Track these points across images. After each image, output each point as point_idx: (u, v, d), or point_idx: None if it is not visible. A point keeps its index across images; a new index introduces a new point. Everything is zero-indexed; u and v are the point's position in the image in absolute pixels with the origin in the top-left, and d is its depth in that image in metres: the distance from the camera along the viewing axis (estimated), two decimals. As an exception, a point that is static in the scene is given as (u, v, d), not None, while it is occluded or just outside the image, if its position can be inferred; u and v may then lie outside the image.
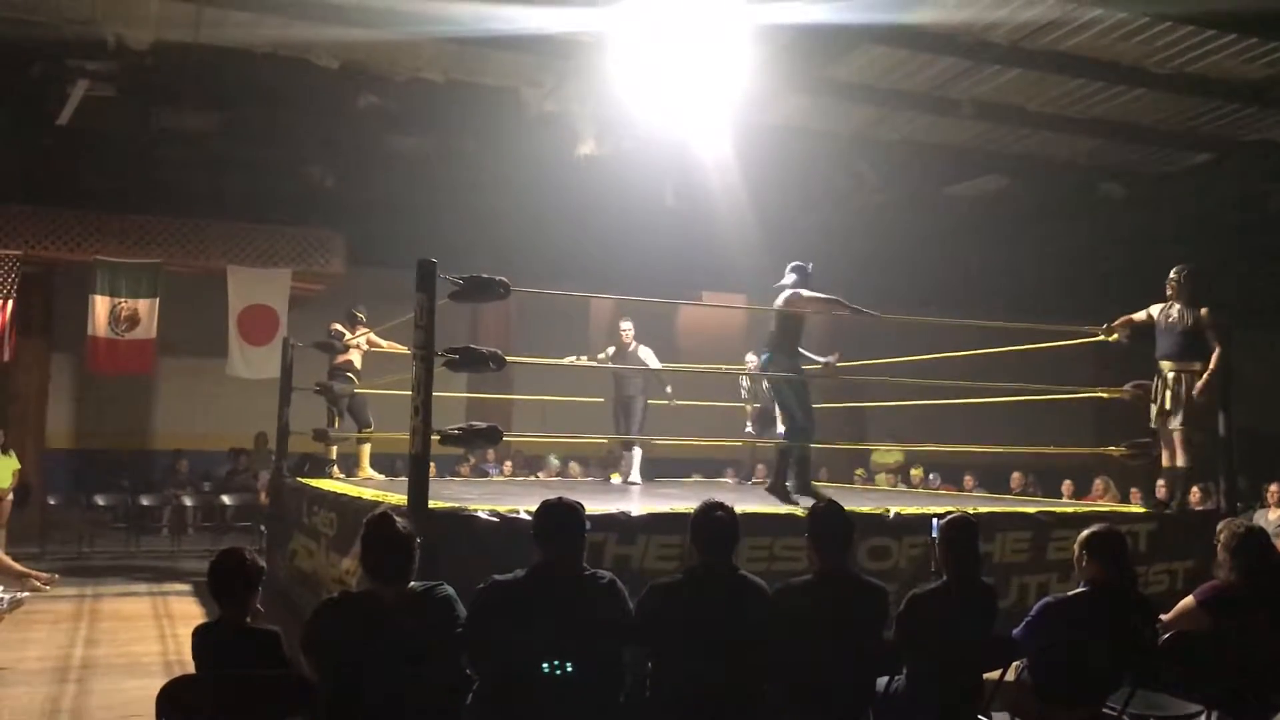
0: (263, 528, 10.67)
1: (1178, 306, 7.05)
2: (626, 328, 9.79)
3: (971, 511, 6.17)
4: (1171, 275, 7.16)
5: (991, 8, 9.12)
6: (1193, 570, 6.44)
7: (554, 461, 14.37)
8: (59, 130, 11.33)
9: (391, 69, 10.78)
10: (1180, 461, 7.02)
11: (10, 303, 12.76)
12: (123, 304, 13.29)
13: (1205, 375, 6.85)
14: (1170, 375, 6.98)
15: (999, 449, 9.23)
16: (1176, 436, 6.98)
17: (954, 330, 8.51)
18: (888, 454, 15.51)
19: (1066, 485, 12.46)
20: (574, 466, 14.15)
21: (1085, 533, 4.37)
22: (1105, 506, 9.03)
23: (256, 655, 3.68)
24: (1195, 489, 10.20)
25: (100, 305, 13.22)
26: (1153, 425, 7.13)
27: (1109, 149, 12.96)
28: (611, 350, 9.99)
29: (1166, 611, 4.57)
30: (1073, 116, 11.69)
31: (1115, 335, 7.29)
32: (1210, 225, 14.40)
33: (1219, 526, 4.63)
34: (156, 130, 12.48)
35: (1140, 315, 7.23)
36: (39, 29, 9.73)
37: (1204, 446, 7.04)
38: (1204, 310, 6.96)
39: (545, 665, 3.64)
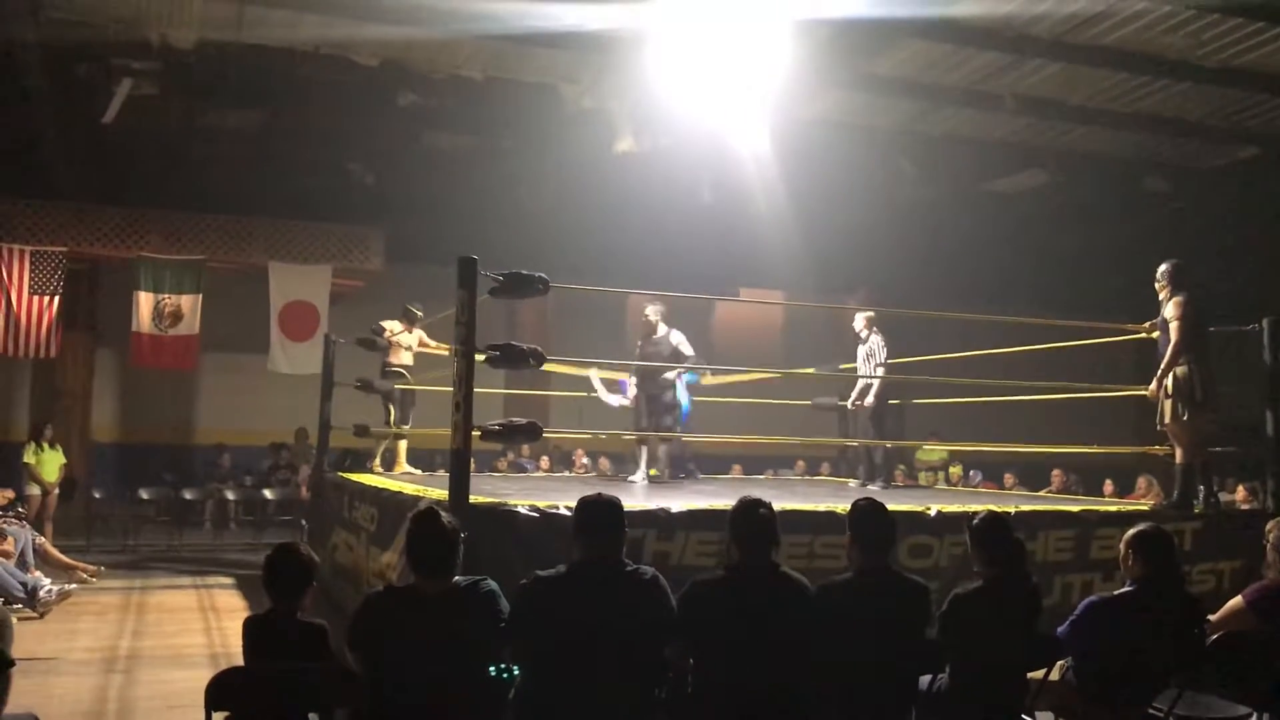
0: (304, 522, 10.76)
1: (1165, 304, 6.92)
2: (651, 310, 9.14)
3: (1014, 510, 6.14)
4: (1157, 272, 7.01)
5: (1035, 1, 9.03)
6: (1240, 570, 6.35)
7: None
8: (104, 129, 11.48)
9: (431, 67, 10.83)
10: (1178, 459, 6.92)
11: (56, 299, 12.98)
12: (166, 300, 13.47)
13: (1161, 368, 6.73)
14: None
15: (1041, 448, 9.12)
16: (1170, 433, 6.89)
17: (995, 326, 8.43)
18: (932, 451, 15.40)
19: (1108, 486, 12.30)
20: (604, 462, 14.17)
21: (1131, 532, 4.32)
22: (1148, 505, 8.91)
23: (304, 648, 3.71)
24: (1241, 488, 10.08)
25: (144, 301, 13.41)
26: (1159, 426, 7.04)
27: (1154, 143, 12.81)
28: (640, 341, 9.33)
29: (1213, 612, 4.51)
30: (1117, 111, 11.57)
31: (1158, 332, 7.18)
32: (1257, 220, 14.19)
33: (1268, 526, 4.56)
34: (199, 128, 12.62)
35: None
36: (84, 30, 9.86)
37: (1202, 440, 6.85)
38: (1172, 300, 6.79)
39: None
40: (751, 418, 11.12)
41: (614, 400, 10.15)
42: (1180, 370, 6.70)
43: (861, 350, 9.31)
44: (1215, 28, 9.46)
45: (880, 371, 9.06)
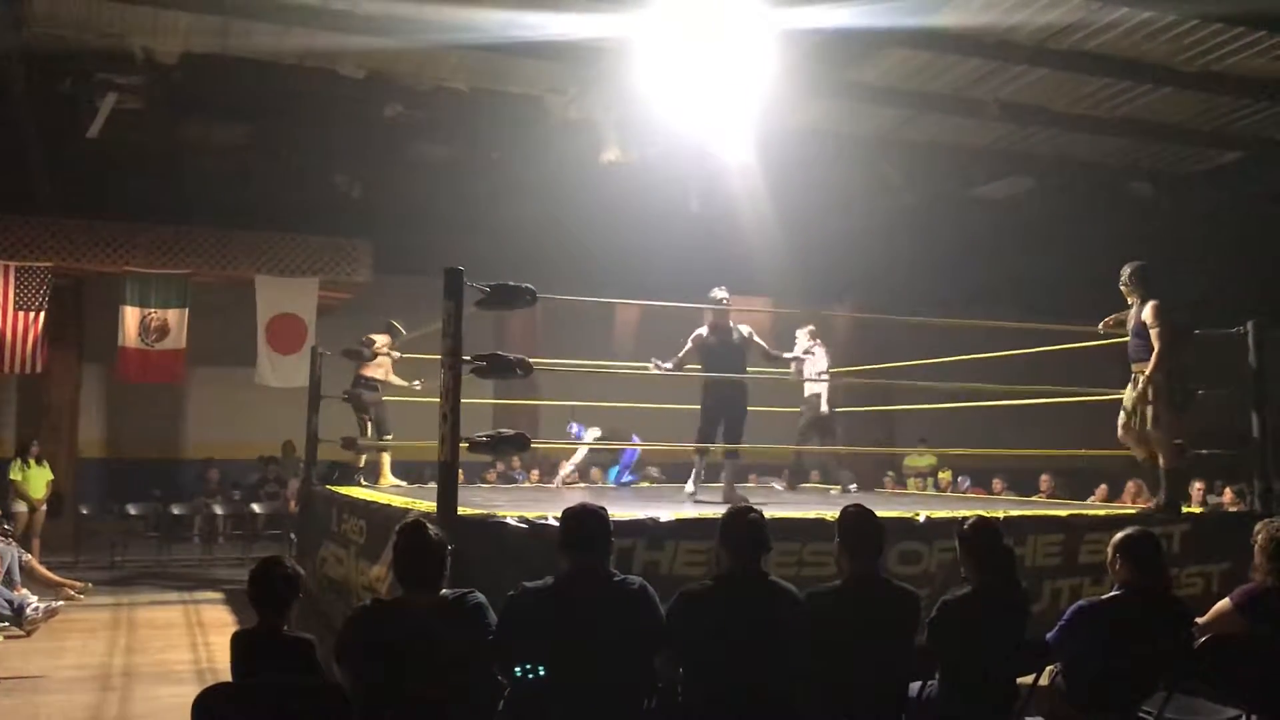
0: (292, 536, 10.72)
1: (1134, 307, 6.91)
2: (722, 293, 8.04)
3: (1002, 515, 6.15)
4: (1122, 274, 7.01)
5: (1014, 10, 9.07)
6: (1228, 573, 6.37)
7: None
8: (89, 143, 11.44)
9: (416, 78, 10.83)
10: (1162, 463, 6.89)
11: (42, 314, 12.91)
12: (152, 314, 13.41)
13: (1146, 375, 6.70)
14: (1135, 377, 6.88)
15: (1029, 452, 9.15)
16: (1144, 438, 6.86)
17: (981, 332, 8.46)
18: (920, 458, 15.43)
19: (1101, 490, 12.32)
20: (595, 472, 14.12)
21: (1119, 536, 4.33)
22: (1135, 509, 8.93)
23: (291, 662, 3.70)
24: (1228, 490, 10.12)
25: (130, 316, 13.34)
26: (1119, 433, 7.00)
27: (1137, 148, 12.86)
28: (704, 331, 8.07)
29: (1201, 614, 4.52)
30: (1100, 116, 11.61)
31: (1131, 337, 7.11)
32: (1240, 223, 14.27)
33: (1256, 528, 4.57)
34: (184, 142, 12.59)
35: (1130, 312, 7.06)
36: (69, 43, 9.84)
37: (1177, 445, 6.86)
38: (1148, 306, 6.76)
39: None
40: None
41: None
42: (1160, 375, 6.70)
43: (808, 362, 9.68)
44: (1194, 33, 9.51)
45: (824, 379, 9.54)
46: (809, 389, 9.78)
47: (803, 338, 9.75)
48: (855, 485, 9.73)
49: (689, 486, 8.34)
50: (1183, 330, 6.82)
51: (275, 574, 3.86)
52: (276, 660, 3.71)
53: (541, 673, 3.68)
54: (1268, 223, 14.27)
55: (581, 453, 10.77)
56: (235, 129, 12.48)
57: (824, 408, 9.65)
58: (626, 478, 11.88)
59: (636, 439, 11.15)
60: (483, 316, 6.53)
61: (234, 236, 13.80)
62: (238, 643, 3.82)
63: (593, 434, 10.61)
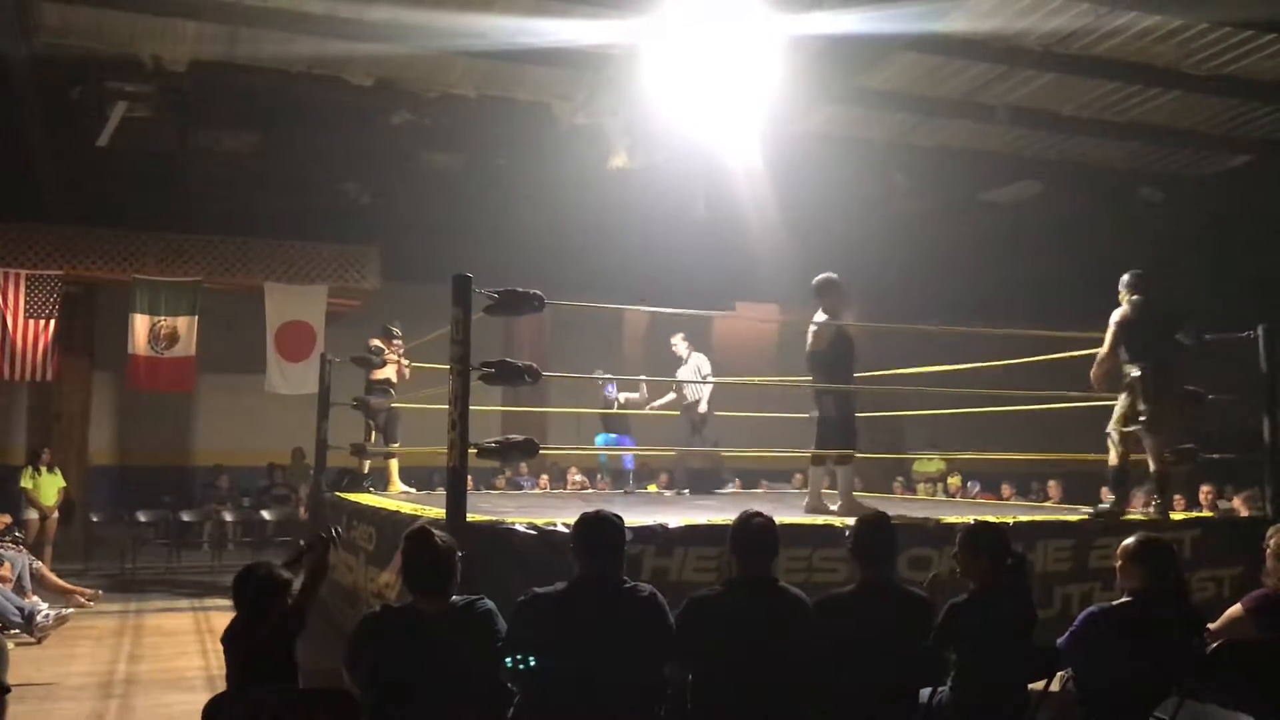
0: (301, 542, 10.71)
1: None
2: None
3: (1012, 521, 6.13)
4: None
5: (1021, 15, 9.07)
6: (1240, 577, 6.33)
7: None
8: (98, 152, 11.49)
9: (424, 86, 10.86)
10: (1111, 460, 6.95)
11: (53, 322, 12.95)
12: (162, 322, 13.44)
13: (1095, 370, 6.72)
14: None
15: (1038, 456, 9.13)
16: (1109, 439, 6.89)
17: (991, 337, 8.45)
18: (929, 463, 15.40)
19: (1104, 493, 12.24)
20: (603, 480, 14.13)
21: (1130, 541, 4.30)
22: (1142, 515, 8.86)
23: (282, 654, 3.73)
24: (1236, 498, 10.06)
25: (140, 324, 13.38)
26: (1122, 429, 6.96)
27: (1146, 152, 12.84)
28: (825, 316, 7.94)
29: (1212, 620, 4.50)
30: (1109, 120, 11.59)
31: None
32: (1251, 227, 14.22)
33: (1269, 532, 4.55)
34: (194, 150, 12.62)
35: None
36: (78, 52, 9.89)
37: (1160, 445, 6.84)
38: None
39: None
40: (751, 431, 11.12)
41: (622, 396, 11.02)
42: (1134, 377, 6.68)
43: (683, 369, 10.23)
44: (1203, 37, 9.49)
45: (704, 387, 10.01)
46: (689, 394, 10.12)
47: (679, 345, 10.26)
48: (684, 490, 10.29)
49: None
50: (1157, 327, 6.79)
51: (251, 580, 3.89)
52: (266, 658, 3.73)
53: (550, 679, 3.68)
54: (1277, 226, 14.23)
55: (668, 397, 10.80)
56: (244, 136, 12.51)
57: (703, 408, 10.05)
58: (631, 484, 11.88)
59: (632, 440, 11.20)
60: (491, 322, 6.53)
61: (243, 244, 13.83)
62: (225, 648, 3.85)
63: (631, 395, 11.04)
